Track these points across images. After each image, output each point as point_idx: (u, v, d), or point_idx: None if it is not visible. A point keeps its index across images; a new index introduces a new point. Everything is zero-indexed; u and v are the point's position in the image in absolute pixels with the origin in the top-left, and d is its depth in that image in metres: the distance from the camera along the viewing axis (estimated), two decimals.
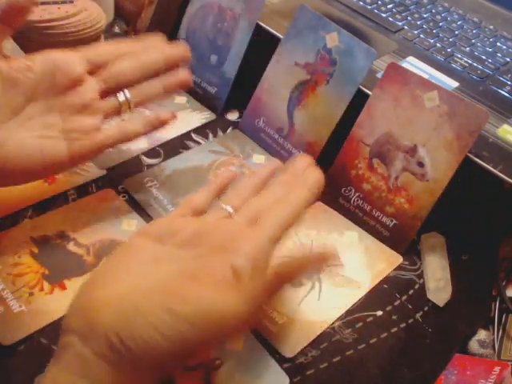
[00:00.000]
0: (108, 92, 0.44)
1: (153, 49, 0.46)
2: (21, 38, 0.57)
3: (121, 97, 0.44)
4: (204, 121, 0.59)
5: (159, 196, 0.50)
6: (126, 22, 0.72)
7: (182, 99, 0.62)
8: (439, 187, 0.45)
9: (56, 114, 0.42)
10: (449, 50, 0.59)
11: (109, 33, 0.69)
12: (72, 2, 0.59)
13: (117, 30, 0.71)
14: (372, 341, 0.41)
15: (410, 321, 0.43)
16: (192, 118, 0.59)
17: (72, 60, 0.43)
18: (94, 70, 0.43)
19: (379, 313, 0.43)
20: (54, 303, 0.40)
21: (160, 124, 0.47)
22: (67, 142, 0.42)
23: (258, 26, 0.56)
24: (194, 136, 0.57)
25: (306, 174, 0.40)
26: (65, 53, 0.43)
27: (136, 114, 0.46)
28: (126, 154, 0.54)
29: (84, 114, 0.43)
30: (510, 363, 0.38)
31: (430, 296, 0.44)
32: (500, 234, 0.50)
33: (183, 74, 0.47)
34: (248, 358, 0.39)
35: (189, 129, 0.58)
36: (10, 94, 0.40)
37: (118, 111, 0.45)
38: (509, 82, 0.55)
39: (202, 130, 0.58)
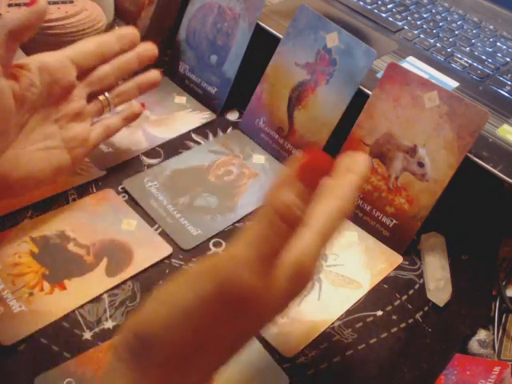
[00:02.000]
0: (91, 95, 0.47)
1: (126, 42, 0.49)
2: None
3: (103, 99, 0.48)
4: (204, 121, 0.59)
5: (159, 196, 0.50)
6: (125, 22, 0.71)
7: (181, 99, 0.62)
8: (439, 187, 0.45)
9: (52, 123, 0.44)
10: (449, 50, 0.59)
11: None
12: (72, 2, 0.59)
13: None
14: (372, 341, 0.41)
15: (410, 321, 0.43)
16: (192, 118, 0.59)
17: (65, 69, 0.44)
18: (79, 74, 0.46)
19: (379, 313, 0.43)
20: (54, 303, 0.40)
21: (134, 116, 0.52)
22: (68, 150, 0.45)
23: (257, 26, 0.56)
24: (193, 136, 0.57)
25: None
26: (56, 59, 0.44)
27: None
28: (126, 154, 0.54)
29: (77, 120, 0.46)
30: (510, 363, 0.38)
31: (430, 296, 0.45)
32: (500, 234, 0.50)
33: (154, 75, 0.51)
34: (248, 358, 0.39)
35: (189, 129, 0.58)
36: (19, 113, 0.41)
37: (100, 112, 0.49)
38: (509, 82, 0.55)
39: (201, 130, 0.58)
